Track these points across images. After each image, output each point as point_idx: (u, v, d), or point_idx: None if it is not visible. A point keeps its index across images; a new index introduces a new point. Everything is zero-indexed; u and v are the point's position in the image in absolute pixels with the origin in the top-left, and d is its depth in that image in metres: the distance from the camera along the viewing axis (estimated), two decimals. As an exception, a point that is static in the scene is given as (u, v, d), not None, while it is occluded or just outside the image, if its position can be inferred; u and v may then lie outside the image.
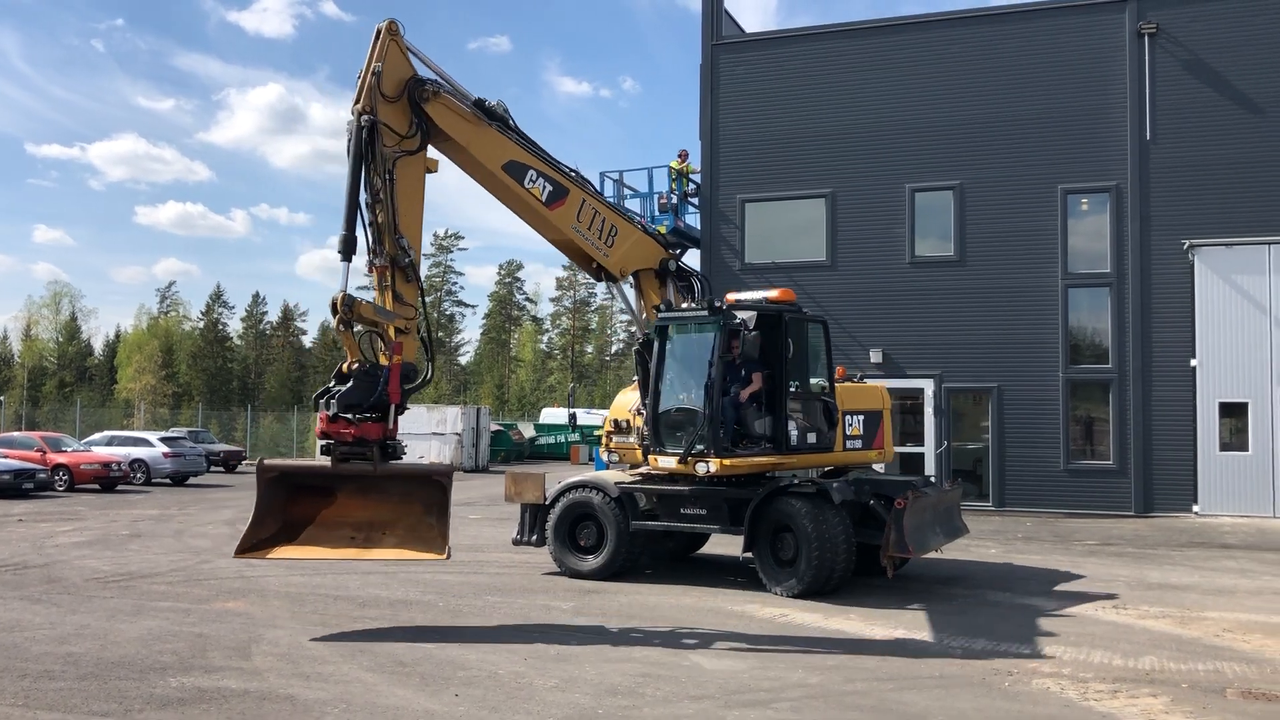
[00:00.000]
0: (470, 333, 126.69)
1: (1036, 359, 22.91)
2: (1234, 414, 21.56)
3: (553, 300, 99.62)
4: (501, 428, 47.17)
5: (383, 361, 10.21)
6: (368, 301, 10.16)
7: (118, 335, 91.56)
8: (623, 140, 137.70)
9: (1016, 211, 23.15)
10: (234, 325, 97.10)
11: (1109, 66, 22.68)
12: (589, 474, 14.05)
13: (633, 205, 26.35)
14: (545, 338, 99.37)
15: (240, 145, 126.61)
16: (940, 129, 23.85)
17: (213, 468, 34.01)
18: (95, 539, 17.06)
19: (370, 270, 10.63)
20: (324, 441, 10.03)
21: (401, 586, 12.73)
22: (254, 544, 9.95)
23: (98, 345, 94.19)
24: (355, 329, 10.05)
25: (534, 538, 13.85)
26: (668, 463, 12.59)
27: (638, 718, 7.31)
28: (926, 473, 22.41)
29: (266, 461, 10.29)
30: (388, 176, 10.43)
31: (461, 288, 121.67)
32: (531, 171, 12.56)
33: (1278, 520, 20.65)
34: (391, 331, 10.24)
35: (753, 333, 12.65)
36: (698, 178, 26.16)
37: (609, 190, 26.29)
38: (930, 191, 23.88)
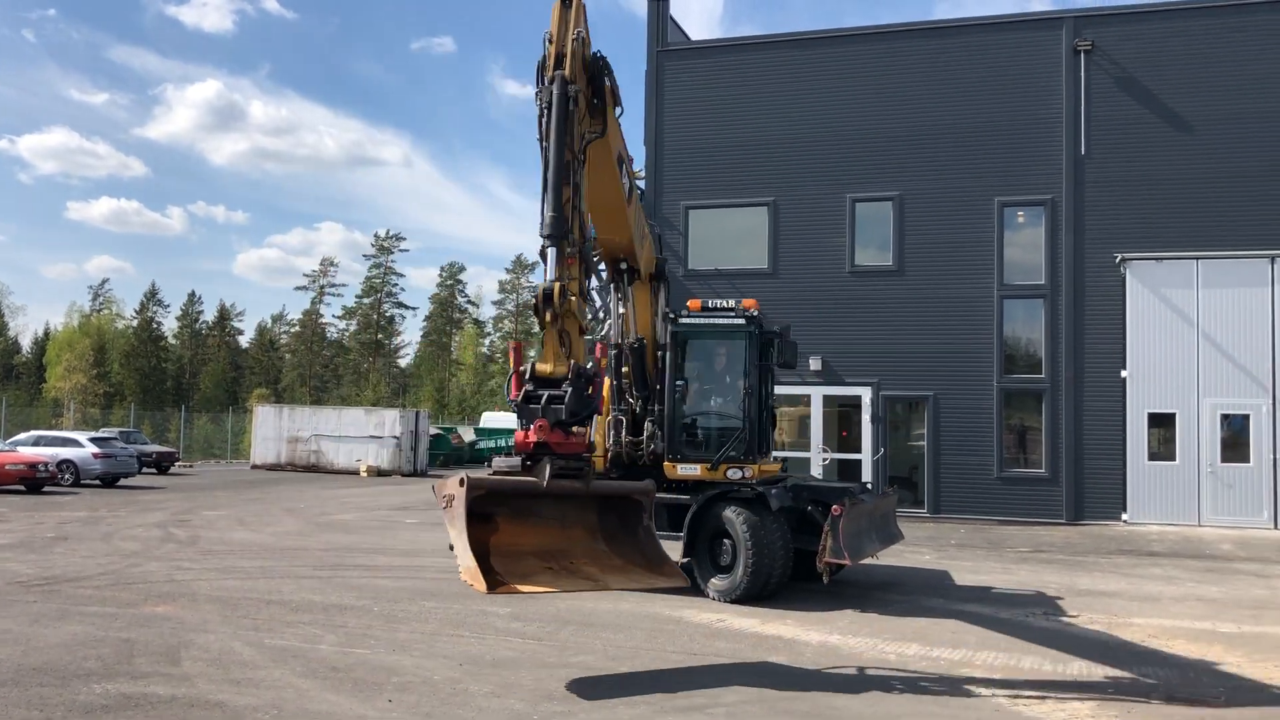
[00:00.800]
0: (410, 335, 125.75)
1: (972, 368, 23.27)
2: (1162, 424, 22.08)
3: (495, 303, 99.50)
4: (441, 431, 46.82)
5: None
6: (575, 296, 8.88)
7: (47, 333, 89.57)
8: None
9: (955, 223, 23.50)
10: (169, 324, 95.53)
11: (1046, 82, 23.13)
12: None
13: (576, 209, 26.30)
14: (487, 341, 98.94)
15: (177, 141, 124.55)
16: (881, 140, 24.14)
17: (145, 469, 33.32)
18: (19, 542, 16.62)
19: (543, 248, 9.02)
20: (527, 455, 8.62)
21: (336, 591, 12.56)
22: (492, 576, 8.29)
23: (25, 343, 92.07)
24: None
25: (471, 542, 13.72)
26: (690, 470, 12.58)
27: (573, 723, 7.29)
28: (864, 479, 22.62)
29: (473, 477, 8.53)
30: (581, 158, 9.46)
31: (402, 289, 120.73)
32: (624, 165, 11.63)
33: (1202, 529, 21.17)
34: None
35: (792, 342, 13.29)
36: (641, 183, 26.19)
37: (552, 194, 26.23)
38: (871, 202, 24.15)
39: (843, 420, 24.38)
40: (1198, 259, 21.95)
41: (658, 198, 25.66)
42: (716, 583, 12.22)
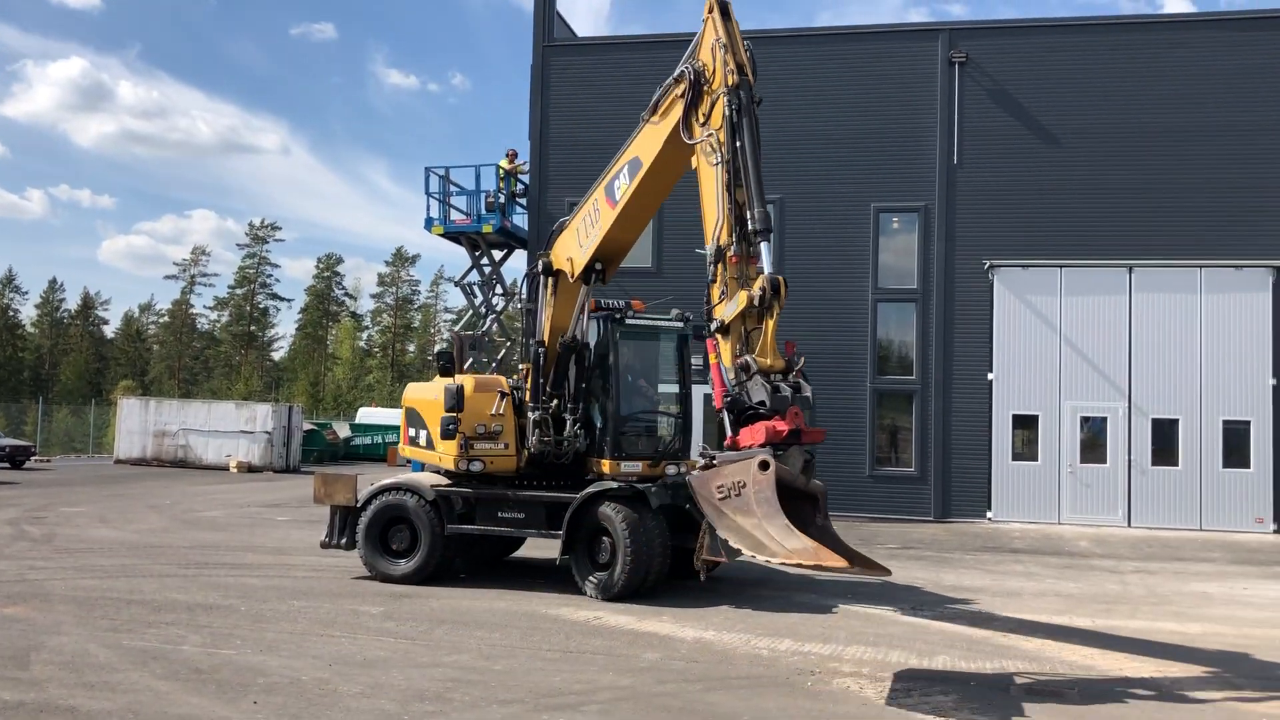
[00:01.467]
0: (285, 327, 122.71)
1: (847, 369, 23.77)
2: (1025, 425, 22.94)
3: (374, 296, 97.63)
4: (315, 427, 45.76)
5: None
6: None
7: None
8: (451, 136, 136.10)
9: (832, 227, 23.97)
10: (27, 312, 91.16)
11: (922, 92, 23.76)
12: (403, 476, 13.77)
13: (459, 203, 26.07)
14: (365, 335, 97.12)
15: (39, 121, 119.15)
16: (763, 143, 24.39)
17: (-3, 463, 31.76)
18: None
19: (720, 261, 9.74)
20: (779, 444, 8.73)
21: (201, 590, 12.16)
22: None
23: None
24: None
25: (344, 540, 13.49)
26: (632, 467, 12.64)
27: (445, 723, 7.19)
28: (741, 478, 22.89)
29: (769, 460, 8.45)
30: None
31: (277, 280, 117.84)
32: None
33: (1062, 526, 22.06)
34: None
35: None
36: (527, 178, 26.05)
37: (434, 185, 25.92)
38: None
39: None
40: (1061, 267, 22.85)
41: (542, 193, 25.52)
42: (594, 580, 12.23)
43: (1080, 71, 23.31)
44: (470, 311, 27.60)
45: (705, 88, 10.37)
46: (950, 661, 9.52)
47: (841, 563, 8.15)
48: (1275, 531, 21.52)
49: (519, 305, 13.71)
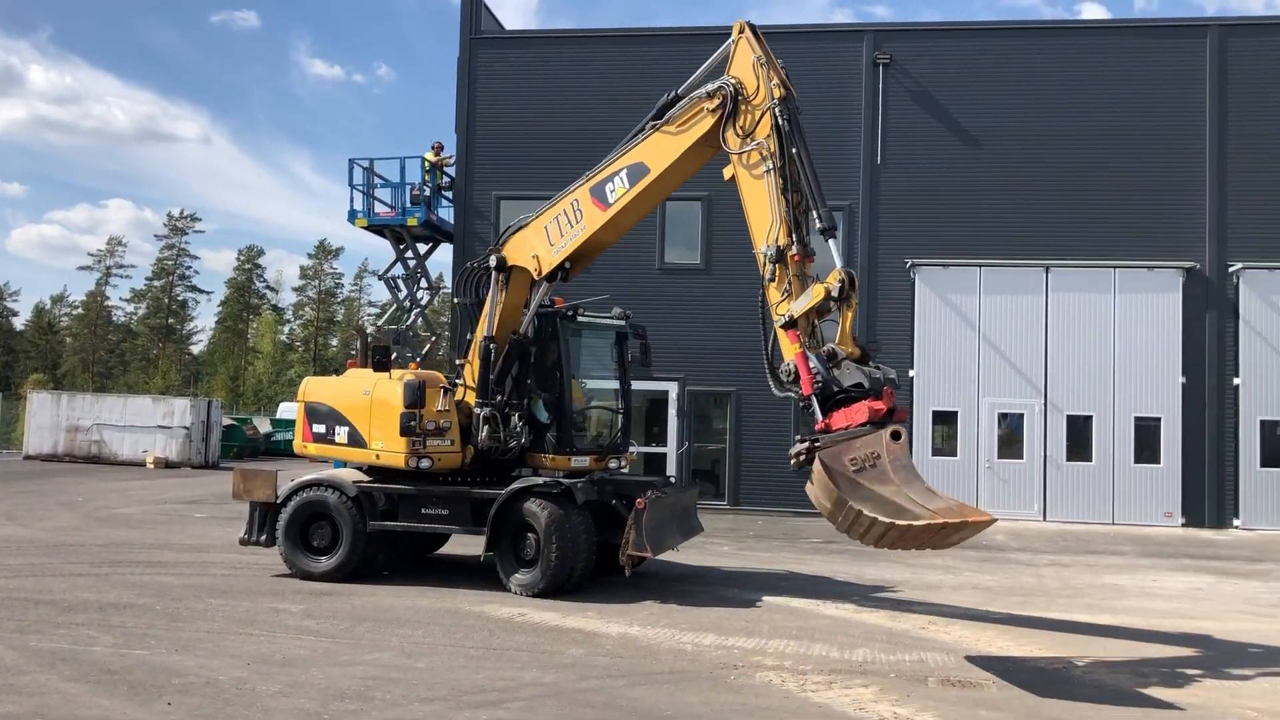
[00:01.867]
0: (204, 320, 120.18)
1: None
2: (945, 422, 23.36)
3: (296, 289, 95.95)
4: (235, 422, 44.89)
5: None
6: None
7: None
8: (376, 128, 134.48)
9: (759, 224, 24.10)
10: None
11: (847, 93, 24.04)
12: (325, 472, 13.54)
13: (384, 195, 25.77)
14: (286, 328, 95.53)
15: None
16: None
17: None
18: None
19: (780, 261, 10.42)
20: (879, 422, 9.24)
21: (114, 590, 11.86)
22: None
23: None
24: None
25: (263, 537, 13.24)
26: (580, 462, 13.00)
27: (365, 722, 7.10)
28: (668, 473, 23.03)
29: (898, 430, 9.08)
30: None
31: (196, 272, 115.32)
32: None
33: (979, 520, 22.46)
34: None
35: (649, 343, 14.34)
36: (453, 171, 25.83)
37: (358, 178, 25.58)
38: (680, 201, 24.49)
39: (650, 414, 24.69)
40: (980, 266, 23.29)
41: (469, 186, 25.34)
42: (519, 577, 12.18)
43: (1001, 75, 23.79)
44: (394, 305, 27.29)
45: (744, 103, 10.89)
46: (871, 654, 9.65)
47: (985, 516, 8.64)
48: (1183, 525, 22.21)
49: (455, 300, 13.51)
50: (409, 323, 26.92)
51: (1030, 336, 22.98)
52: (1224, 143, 22.97)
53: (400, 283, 26.92)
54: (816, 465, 9.06)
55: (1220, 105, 23.02)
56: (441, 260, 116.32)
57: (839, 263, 10.08)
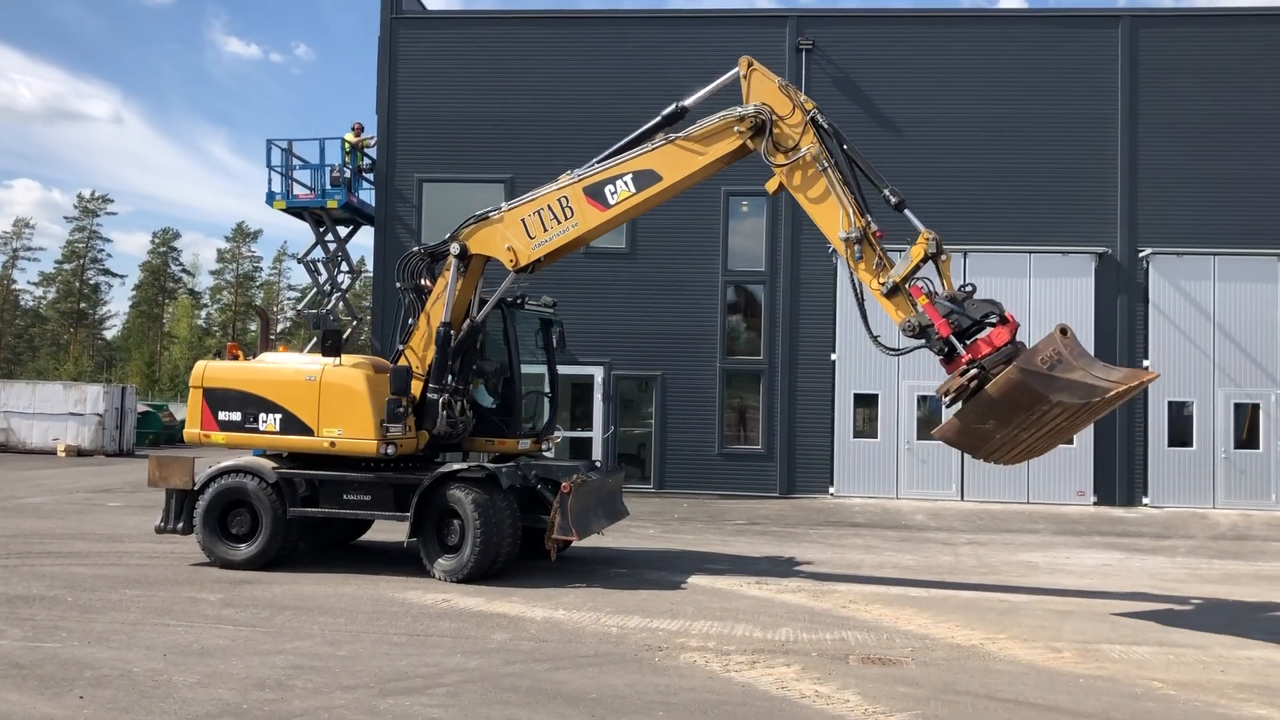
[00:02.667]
0: (118, 305, 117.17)
1: (697, 349, 24.13)
2: (866, 404, 23.73)
3: (213, 273, 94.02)
4: (151, 409, 43.86)
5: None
6: None
7: None
8: (295, 109, 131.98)
9: (684, 210, 24.12)
10: None
11: (770, 77, 24.15)
12: (243, 458, 13.28)
13: (303, 177, 25.34)
14: (204, 313, 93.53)
15: None
16: (614, 123, 24.13)
17: None
18: None
19: (863, 240, 11.48)
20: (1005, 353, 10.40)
21: (23, 581, 11.53)
22: None
23: None
24: None
25: (180, 525, 12.97)
26: (524, 444, 13.58)
27: (286, 711, 7.01)
28: (594, 457, 23.05)
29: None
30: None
31: (109, 255, 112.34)
32: None
33: (900, 501, 22.93)
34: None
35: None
36: (374, 153, 25.46)
37: (277, 159, 25.11)
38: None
39: (576, 399, 24.69)
40: (897, 251, 23.54)
41: (390, 168, 25.01)
42: (443, 563, 12.11)
43: (919, 62, 24.14)
44: (315, 289, 26.87)
45: (779, 124, 11.85)
46: (793, 633, 9.79)
47: (1153, 375, 10.49)
48: (1095, 504, 22.87)
49: (399, 285, 13.38)
50: (330, 307, 26.52)
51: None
52: (1134, 131, 23.60)
53: (320, 266, 26.51)
54: (1003, 380, 10.01)
55: (1131, 94, 23.64)
56: (362, 243, 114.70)
57: (921, 227, 11.31)
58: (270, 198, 25.03)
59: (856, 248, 11.50)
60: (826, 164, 11.66)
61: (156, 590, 11.21)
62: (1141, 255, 23.35)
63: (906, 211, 11.60)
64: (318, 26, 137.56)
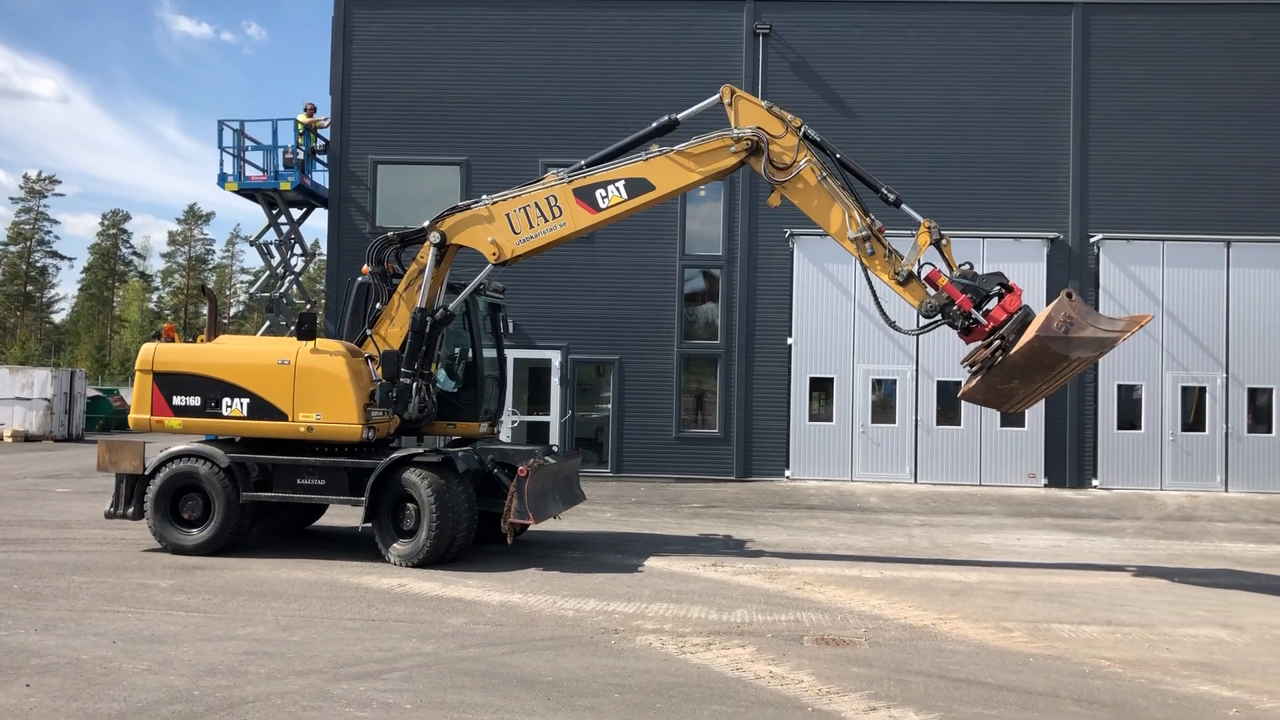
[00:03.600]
0: (67, 288, 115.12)
1: (655, 333, 24.14)
2: (821, 388, 23.89)
3: (164, 256, 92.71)
4: (101, 393, 43.18)
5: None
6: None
7: None
8: (247, 90, 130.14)
9: (641, 192, 24.16)
10: None
11: (727, 61, 24.18)
12: (195, 443, 13.10)
13: (255, 158, 25.02)
14: (155, 296, 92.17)
15: None
16: (573, 106, 24.41)
17: None
18: None
19: (870, 238, 12.17)
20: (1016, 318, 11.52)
21: (-32, 569, 11.32)
22: None
23: None
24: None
25: (131, 510, 12.79)
26: (484, 428, 13.94)
27: (238, 697, 6.95)
28: (551, 441, 23.03)
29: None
30: None
31: (57, 237, 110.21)
32: None
33: (854, 483, 23.13)
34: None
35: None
36: (327, 133, 25.17)
37: (229, 140, 24.76)
38: (562, 166, 24.32)
39: (533, 383, 24.65)
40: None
41: (344, 150, 24.73)
42: (399, 547, 12.06)
43: (876, 47, 24.24)
44: (268, 272, 26.55)
45: (773, 143, 12.54)
46: (748, 615, 9.85)
47: (1147, 317, 11.67)
48: (1045, 486, 23.20)
49: (368, 270, 13.29)
50: (283, 290, 26.24)
51: (902, 303, 23.53)
52: (1086, 118, 23.88)
53: (273, 249, 26.21)
54: (1025, 347, 11.02)
55: (1083, 82, 23.90)
56: (316, 226, 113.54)
57: (920, 218, 12.26)
58: (222, 179, 24.69)
59: (867, 245, 12.21)
60: (823, 174, 12.42)
61: (106, 577, 11.06)
62: (1093, 240, 23.67)
63: (904, 206, 12.50)
64: (270, 5, 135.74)
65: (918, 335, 12.73)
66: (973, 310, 11.70)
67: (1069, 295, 11.07)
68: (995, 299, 11.71)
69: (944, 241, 12.20)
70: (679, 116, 13.33)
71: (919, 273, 12.06)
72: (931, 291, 11.95)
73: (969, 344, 11.94)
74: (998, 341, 11.43)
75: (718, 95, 13.06)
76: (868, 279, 12.56)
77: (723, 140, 12.70)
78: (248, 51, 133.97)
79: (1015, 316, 11.45)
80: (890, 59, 24.16)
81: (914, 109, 23.97)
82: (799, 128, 12.55)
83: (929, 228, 12.15)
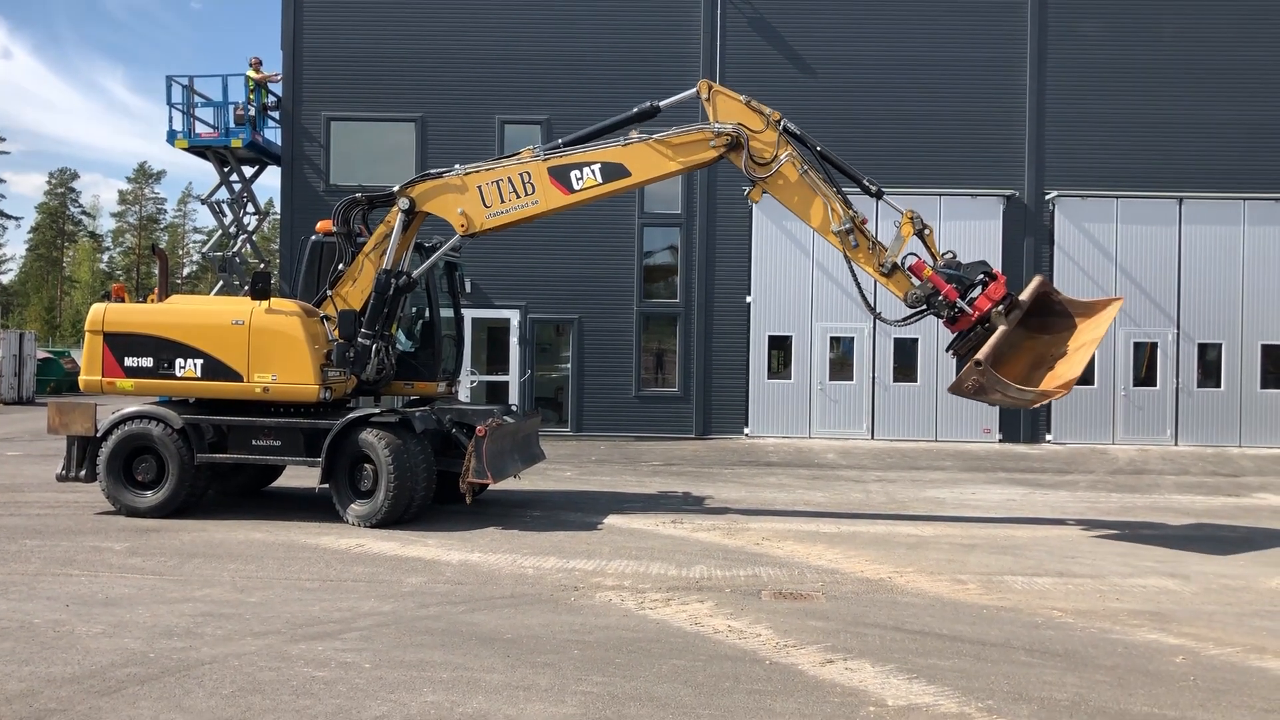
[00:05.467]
0: (14, 248, 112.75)
1: (614, 292, 24.08)
2: (780, 346, 23.99)
3: (115, 215, 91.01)
4: (51, 355, 42.49)
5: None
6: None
7: None
8: (197, 45, 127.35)
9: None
10: None
11: (686, 17, 23.98)
12: (147, 404, 12.93)
13: (205, 115, 24.54)
14: (106, 256, 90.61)
15: None
16: (529, 62, 24.13)
17: None
18: None
19: (853, 230, 12.35)
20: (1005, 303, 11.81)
21: (-85, 534, 11.13)
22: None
23: None
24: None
25: (83, 473, 12.62)
26: (442, 387, 13.94)
27: (194, 658, 6.91)
28: (510, 401, 22.97)
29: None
30: None
31: (2, 196, 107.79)
32: None
33: (812, 440, 23.31)
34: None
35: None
36: (279, 87, 24.71)
37: (178, 96, 24.26)
38: (519, 124, 24.15)
39: (492, 343, 24.54)
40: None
41: (296, 107, 24.31)
42: (356, 508, 12.00)
43: (835, 3, 24.12)
44: (220, 232, 26.14)
45: (752, 138, 12.48)
46: (707, 571, 9.92)
47: (1058, 393, 11.50)
48: (1000, 441, 23.52)
49: (334, 229, 13.07)
50: (236, 249, 25.86)
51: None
52: (1043, 74, 23.96)
53: (225, 207, 25.79)
54: (951, 388, 11.61)
55: (1040, 37, 23.95)
56: (269, 184, 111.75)
57: (900, 209, 12.41)
58: (171, 136, 24.20)
59: (850, 238, 12.33)
60: (804, 167, 12.45)
61: (58, 540, 10.92)
62: (1048, 198, 23.84)
63: (886, 198, 12.70)
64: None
65: (903, 325, 12.79)
66: (958, 300, 11.86)
67: (977, 364, 11.21)
68: (980, 287, 11.87)
69: (927, 231, 12.29)
70: (660, 104, 13.17)
71: (903, 263, 12.16)
72: (916, 282, 12.06)
73: (954, 332, 12.16)
74: (981, 329, 11.75)
75: (694, 89, 13.00)
76: (851, 271, 12.64)
77: (703, 133, 12.62)
78: (195, 5, 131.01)
79: (1001, 303, 11.68)
80: (848, 16, 24.06)
81: (871, 66, 23.93)
82: (778, 121, 12.52)
83: (911, 218, 12.24)
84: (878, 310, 12.89)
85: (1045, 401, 11.68)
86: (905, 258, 12.20)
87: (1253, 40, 23.93)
